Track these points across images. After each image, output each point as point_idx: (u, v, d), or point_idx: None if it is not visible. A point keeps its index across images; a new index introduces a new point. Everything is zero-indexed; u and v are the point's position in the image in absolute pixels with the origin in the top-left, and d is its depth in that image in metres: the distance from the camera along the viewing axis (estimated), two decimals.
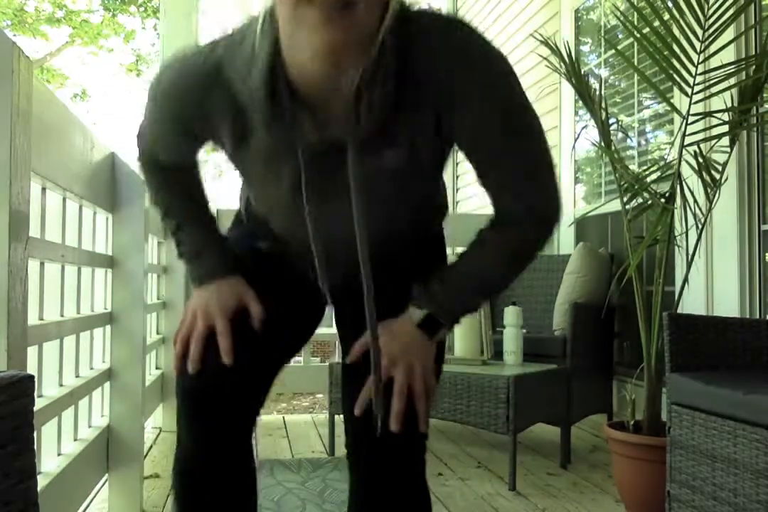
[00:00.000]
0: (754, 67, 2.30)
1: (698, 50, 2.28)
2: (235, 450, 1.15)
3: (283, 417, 3.88)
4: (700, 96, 2.29)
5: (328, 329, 2.59)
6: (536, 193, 1.08)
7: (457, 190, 6.34)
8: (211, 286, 1.17)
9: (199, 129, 1.08)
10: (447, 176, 6.68)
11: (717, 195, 2.35)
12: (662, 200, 2.35)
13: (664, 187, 2.41)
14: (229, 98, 1.00)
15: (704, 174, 2.34)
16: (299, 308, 1.24)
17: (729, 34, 2.37)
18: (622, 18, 2.65)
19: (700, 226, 2.36)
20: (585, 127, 3.92)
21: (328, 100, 0.97)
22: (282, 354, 1.23)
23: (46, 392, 1.75)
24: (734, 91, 2.35)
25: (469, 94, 0.96)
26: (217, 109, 1.02)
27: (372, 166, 1.02)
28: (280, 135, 1.00)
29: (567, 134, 4.21)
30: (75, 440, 2.03)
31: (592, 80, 3.15)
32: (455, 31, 0.95)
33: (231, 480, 1.14)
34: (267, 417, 3.89)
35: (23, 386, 0.85)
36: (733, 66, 2.30)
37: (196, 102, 1.03)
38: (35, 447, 0.99)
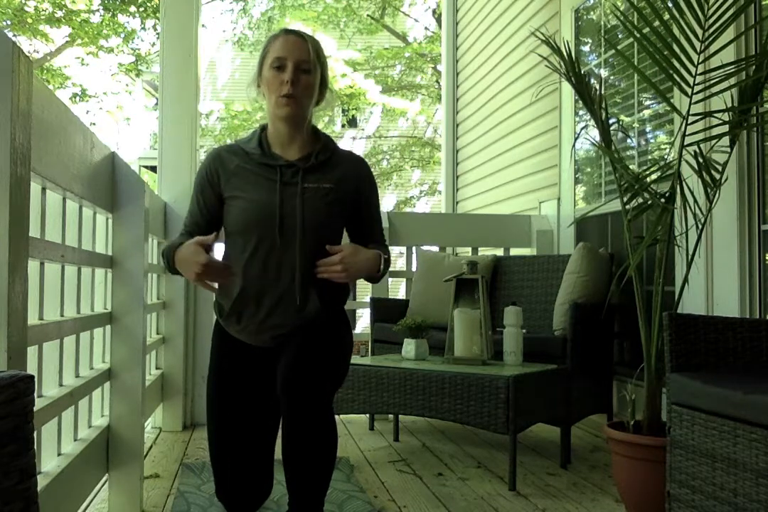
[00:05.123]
0: (754, 67, 2.30)
1: (698, 50, 2.28)
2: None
3: None
4: (700, 96, 2.29)
5: None
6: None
7: (456, 190, 6.34)
8: (179, 258, 1.84)
9: (212, 191, 1.96)
10: (447, 177, 6.62)
11: (717, 195, 2.35)
12: (662, 200, 2.35)
13: (664, 187, 2.41)
14: (224, 169, 1.94)
15: (704, 174, 2.34)
16: (265, 383, 1.94)
17: (729, 34, 2.37)
18: (622, 18, 2.65)
19: (700, 226, 2.36)
20: (585, 127, 3.92)
21: (288, 150, 1.95)
22: (273, 415, 1.99)
23: (46, 392, 1.76)
24: (734, 91, 2.35)
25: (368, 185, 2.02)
26: (216, 174, 1.95)
27: (311, 190, 1.90)
28: (264, 167, 1.91)
29: (567, 134, 4.20)
30: (75, 440, 2.03)
31: (592, 80, 3.15)
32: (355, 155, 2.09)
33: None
34: None
35: (23, 386, 0.85)
36: (733, 66, 2.30)
37: (208, 176, 1.96)
38: (35, 447, 0.99)
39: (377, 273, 1.93)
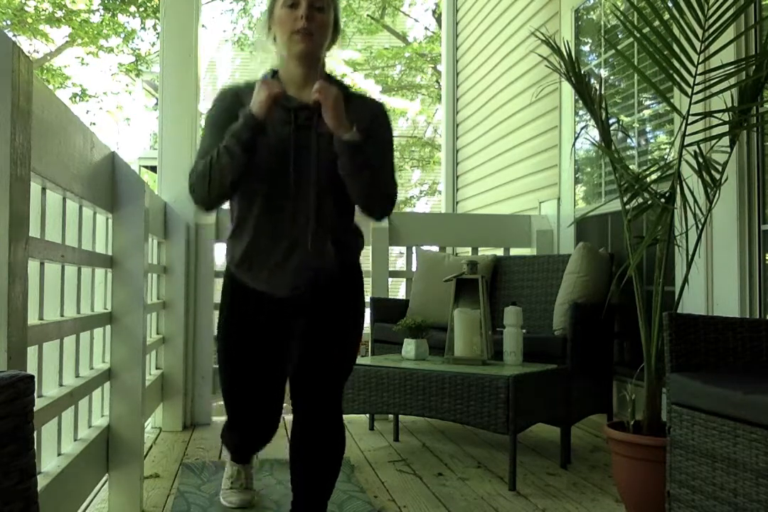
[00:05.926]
0: (754, 67, 2.30)
1: (698, 50, 2.28)
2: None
3: (283, 417, 3.87)
4: (700, 96, 2.29)
5: None
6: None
7: (457, 190, 6.34)
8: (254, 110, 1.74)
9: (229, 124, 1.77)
10: (447, 177, 6.60)
11: (717, 195, 2.35)
12: (662, 200, 2.35)
13: (664, 187, 2.41)
14: (242, 108, 1.77)
15: (704, 174, 2.34)
16: (278, 333, 1.90)
17: (729, 34, 2.37)
18: (622, 18, 2.65)
19: (700, 226, 2.36)
20: (585, 127, 3.92)
21: (302, 92, 1.82)
22: (284, 365, 1.92)
23: (46, 392, 1.76)
24: (734, 91, 2.35)
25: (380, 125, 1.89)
26: (236, 111, 1.77)
27: (326, 135, 1.76)
28: (278, 110, 1.77)
29: (567, 134, 4.20)
30: (75, 440, 2.03)
31: (592, 80, 3.15)
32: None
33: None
34: None
35: (23, 386, 0.85)
36: (733, 66, 2.30)
37: (229, 111, 1.81)
38: (35, 447, 0.99)
39: (345, 132, 1.74)
